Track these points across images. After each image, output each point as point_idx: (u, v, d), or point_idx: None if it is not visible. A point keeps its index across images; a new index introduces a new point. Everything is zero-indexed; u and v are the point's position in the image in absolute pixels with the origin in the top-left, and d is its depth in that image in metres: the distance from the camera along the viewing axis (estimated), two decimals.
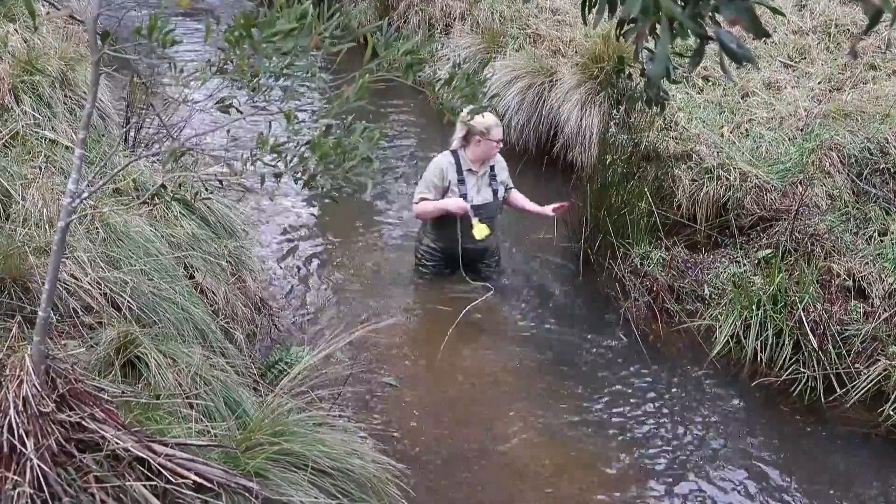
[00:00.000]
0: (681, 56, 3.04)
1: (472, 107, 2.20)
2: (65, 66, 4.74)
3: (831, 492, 3.89)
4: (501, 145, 5.12)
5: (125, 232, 3.61)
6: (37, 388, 2.25)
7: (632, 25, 1.72)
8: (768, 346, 4.56)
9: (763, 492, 3.85)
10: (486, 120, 4.97)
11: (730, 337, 4.67)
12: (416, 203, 5.15)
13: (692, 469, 3.98)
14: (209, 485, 2.37)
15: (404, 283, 5.41)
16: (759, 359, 4.56)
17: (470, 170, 5.10)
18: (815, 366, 4.43)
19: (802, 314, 4.51)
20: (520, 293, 5.39)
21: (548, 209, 5.24)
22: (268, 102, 2.08)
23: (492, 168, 5.18)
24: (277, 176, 2.12)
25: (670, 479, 3.91)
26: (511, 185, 5.37)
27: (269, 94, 2.06)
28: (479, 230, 5.02)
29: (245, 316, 4.15)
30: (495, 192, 5.18)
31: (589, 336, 4.97)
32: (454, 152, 5.13)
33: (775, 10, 2.07)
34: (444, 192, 5.09)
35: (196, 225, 4.17)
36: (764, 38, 6.77)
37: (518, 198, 5.40)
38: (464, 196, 5.05)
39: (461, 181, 5.08)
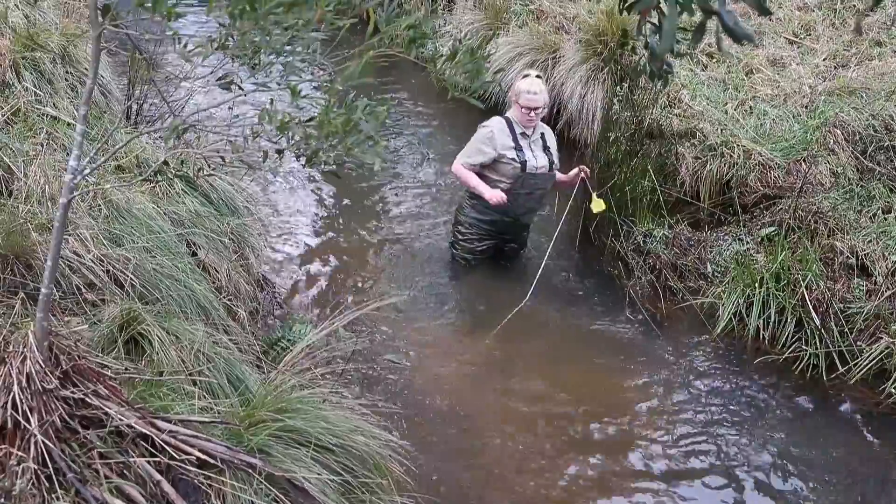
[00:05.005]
0: (684, 31, 3.01)
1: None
2: (66, 41, 4.71)
3: (832, 468, 3.90)
4: (536, 115, 4.88)
5: (127, 209, 3.61)
6: (40, 364, 2.26)
7: (637, 1, 1.71)
8: (771, 324, 4.56)
9: (764, 468, 3.87)
10: (522, 84, 4.85)
11: (733, 315, 4.67)
12: (455, 166, 4.98)
13: (693, 445, 3.99)
14: (212, 461, 2.37)
15: (408, 261, 5.40)
16: (761, 336, 4.57)
17: (523, 133, 4.90)
18: (818, 343, 4.44)
19: (805, 292, 4.51)
20: (523, 272, 5.38)
21: (573, 173, 5.10)
22: (269, 80, 2.07)
23: (542, 136, 5.02)
24: (279, 152, 2.11)
25: (670, 456, 3.92)
26: (557, 163, 5.11)
27: (270, 71, 2.04)
28: (597, 204, 4.95)
29: (248, 293, 4.15)
30: (552, 163, 5.00)
31: (592, 314, 4.97)
32: (506, 117, 4.94)
33: None
34: (494, 161, 4.85)
35: (199, 202, 4.16)
36: (768, 15, 6.73)
37: (558, 176, 5.19)
38: (524, 163, 4.84)
39: (517, 148, 4.86)
